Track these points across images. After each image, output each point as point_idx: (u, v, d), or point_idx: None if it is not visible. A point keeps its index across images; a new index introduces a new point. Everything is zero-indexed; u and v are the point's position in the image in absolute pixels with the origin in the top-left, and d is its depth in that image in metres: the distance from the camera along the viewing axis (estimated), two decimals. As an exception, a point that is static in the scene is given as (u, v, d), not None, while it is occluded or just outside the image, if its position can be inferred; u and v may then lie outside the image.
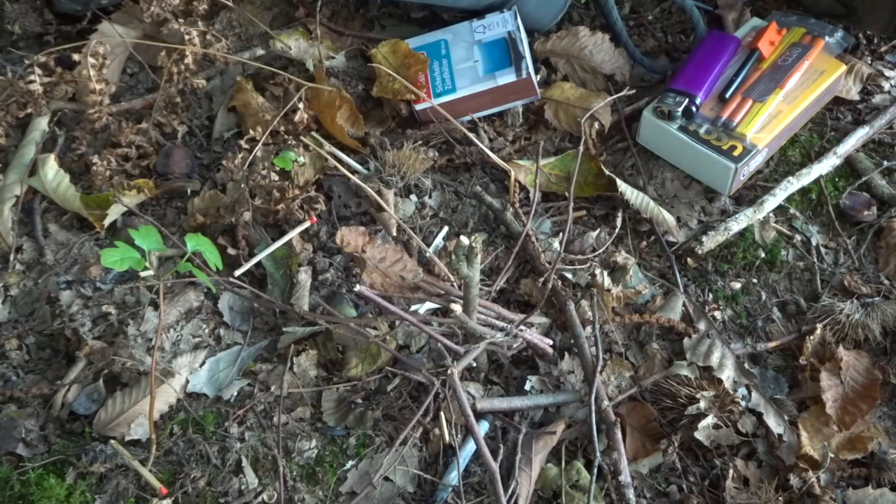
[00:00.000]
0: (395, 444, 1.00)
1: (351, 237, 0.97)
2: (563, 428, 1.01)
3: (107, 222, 1.18)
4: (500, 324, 1.00)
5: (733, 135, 1.13)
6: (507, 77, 1.19)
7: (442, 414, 1.00)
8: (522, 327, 1.00)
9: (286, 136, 1.20)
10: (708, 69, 1.17)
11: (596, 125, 1.20)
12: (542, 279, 1.09)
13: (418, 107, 1.22)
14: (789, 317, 1.10)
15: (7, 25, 1.35)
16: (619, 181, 1.15)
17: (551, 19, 1.30)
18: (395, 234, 1.15)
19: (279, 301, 1.09)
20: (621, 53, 1.28)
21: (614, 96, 1.20)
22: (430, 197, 1.20)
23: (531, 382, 1.05)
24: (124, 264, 0.94)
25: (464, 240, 0.86)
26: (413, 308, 1.07)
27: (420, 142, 1.23)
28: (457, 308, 0.88)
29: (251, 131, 1.19)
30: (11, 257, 1.17)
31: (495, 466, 0.90)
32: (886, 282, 1.10)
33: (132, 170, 1.23)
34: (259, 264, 1.13)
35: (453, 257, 0.87)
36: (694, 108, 1.15)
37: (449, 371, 0.89)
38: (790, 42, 1.21)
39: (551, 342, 1.05)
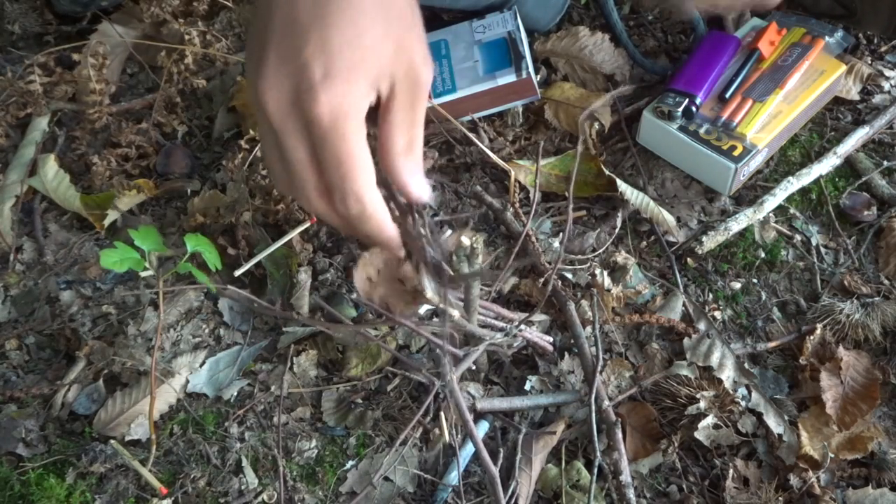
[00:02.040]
0: (395, 444, 1.00)
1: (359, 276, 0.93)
2: (563, 428, 1.01)
3: (107, 222, 1.18)
4: (500, 324, 1.00)
5: (733, 135, 1.13)
6: (507, 77, 1.19)
7: (442, 414, 1.00)
8: (523, 327, 0.99)
9: (286, 137, 1.20)
10: (708, 69, 1.17)
11: (596, 125, 1.20)
12: (542, 279, 1.09)
13: (418, 107, 1.21)
14: (789, 317, 1.10)
15: (7, 25, 1.35)
16: (619, 181, 1.15)
17: (550, 19, 1.30)
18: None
19: (278, 303, 1.09)
20: (621, 53, 1.27)
21: (613, 93, 1.20)
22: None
23: (531, 382, 1.05)
24: (124, 265, 0.94)
25: (464, 240, 0.86)
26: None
27: (420, 142, 1.22)
28: (455, 312, 0.88)
29: (251, 131, 1.19)
30: (11, 257, 1.17)
31: (495, 471, 0.90)
32: (886, 282, 1.10)
33: (132, 170, 1.23)
34: (259, 264, 1.13)
35: (454, 258, 0.87)
36: (694, 108, 1.15)
37: (448, 377, 0.88)
38: (790, 42, 1.21)
39: (551, 340, 1.05)
